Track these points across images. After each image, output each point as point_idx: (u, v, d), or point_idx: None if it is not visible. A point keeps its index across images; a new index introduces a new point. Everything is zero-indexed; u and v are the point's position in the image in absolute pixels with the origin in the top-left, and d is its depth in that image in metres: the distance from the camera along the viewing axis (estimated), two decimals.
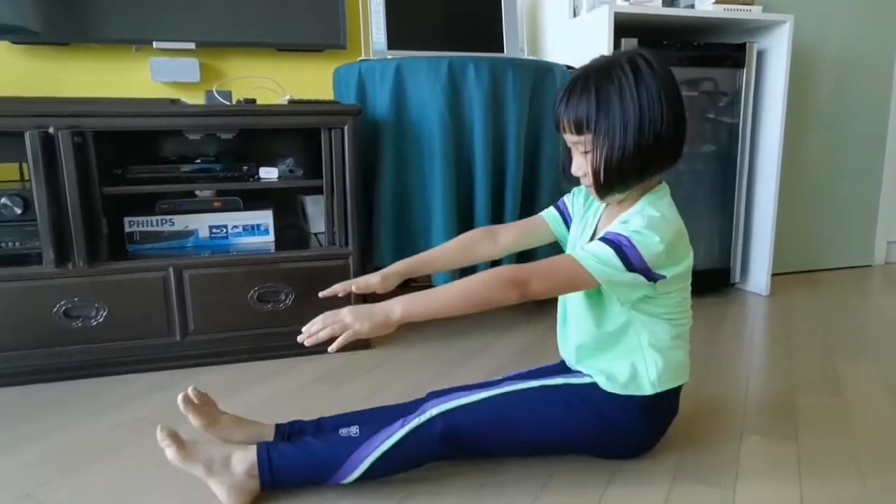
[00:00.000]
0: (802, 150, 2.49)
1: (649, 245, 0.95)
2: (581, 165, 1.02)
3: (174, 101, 1.58)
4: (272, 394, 1.46)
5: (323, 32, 2.12)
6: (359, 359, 1.66)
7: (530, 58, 2.19)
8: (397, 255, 1.86)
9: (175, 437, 0.99)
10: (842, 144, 2.57)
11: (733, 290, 2.34)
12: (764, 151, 2.25)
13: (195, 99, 1.92)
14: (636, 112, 0.94)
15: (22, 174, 1.79)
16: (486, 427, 1.02)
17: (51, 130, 1.43)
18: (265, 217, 1.81)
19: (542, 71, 1.87)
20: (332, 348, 0.91)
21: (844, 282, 2.50)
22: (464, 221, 1.81)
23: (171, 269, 1.58)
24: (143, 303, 1.58)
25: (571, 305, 1.14)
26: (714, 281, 2.30)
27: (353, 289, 1.11)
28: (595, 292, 1.05)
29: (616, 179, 0.98)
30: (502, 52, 2.16)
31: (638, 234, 0.95)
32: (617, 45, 1.96)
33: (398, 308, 0.93)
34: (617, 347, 1.05)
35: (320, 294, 1.12)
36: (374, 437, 1.00)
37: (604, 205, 1.11)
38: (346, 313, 0.92)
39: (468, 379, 1.27)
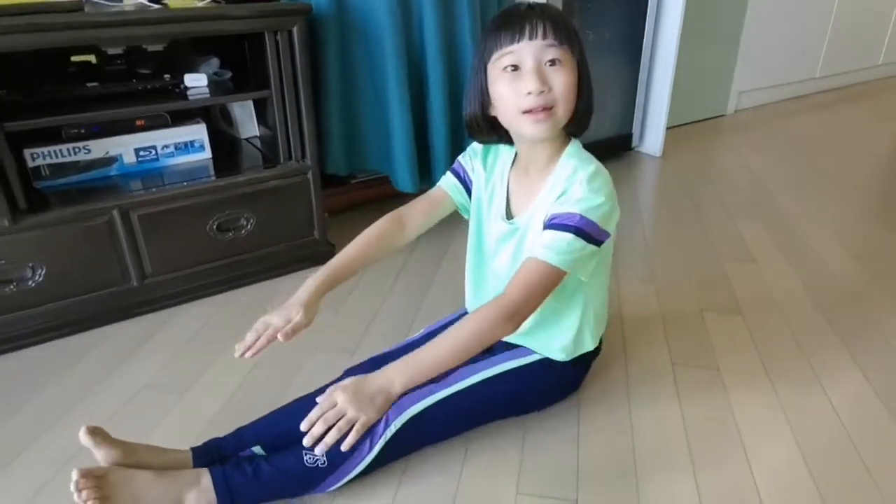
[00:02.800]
0: None
1: (597, 209, 0.92)
2: (546, 79, 0.90)
3: (76, 6, 1.24)
4: None
5: None
6: None
7: None
8: (350, 163, 1.78)
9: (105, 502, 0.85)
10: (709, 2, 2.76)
11: (632, 154, 2.58)
12: (668, 9, 2.35)
13: None
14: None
15: None
16: (452, 423, 1.05)
17: None
18: (198, 132, 1.59)
19: None
20: (345, 446, 0.88)
21: (710, 135, 2.86)
22: (421, 122, 1.75)
23: (115, 213, 1.37)
24: (88, 253, 1.38)
25: (497, 274, 1.09)
26: (616, 146, 2.51)
27: (280, 338, 0.95)
28: None
29: (583, 116, 0.97)
30: None
31: (584, 203, 0.92)
32: None
33: (397, 383, 0.90)
34: (561, 316, 1.05)
35: (237, 356, 0.96)
36: (346, 462, 0.94)
37: (509, 166, 1.06)
38: (345, 404, 0.88)
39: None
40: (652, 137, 2.55)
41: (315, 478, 0.94)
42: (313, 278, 1.04)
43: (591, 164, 0.96)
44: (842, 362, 1.29)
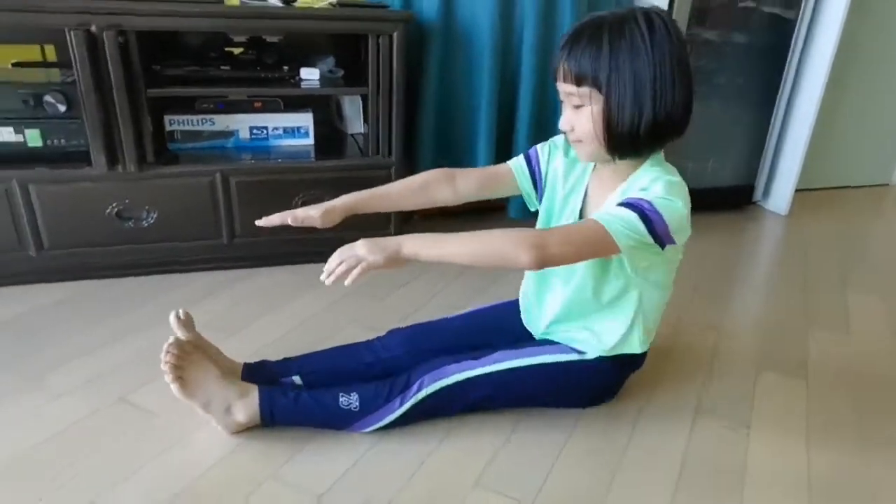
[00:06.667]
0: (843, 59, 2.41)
1: (673, 210, 0.91)
2: (570, 120, 0.95)
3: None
4: (325, 303, 1.54)
5: None
6: None
7: None
8: (437, 165, 1.88)
9: (178, 374, 1.02)
10: (883, 58, 2.49)
11: (753, 208, 2.39)
12: (816, 52, 2.15)
13: None
14: (651, 75, 0.88)
15: (44, 55, 1.73)
16: (482, 398, 1.10)
17: (93, 29, 1.37)
18: (305, 119, 1.78)
19: None
20: (347, 282, 0.91)
21: (863, 202, 2.55)
22: (505, 133, 1.81)
23: (217, 175, 1.60)
24: (191, 206, 1.61)
25: (558, 278, 1.11)
26: (736, 198, 2.33)
27: (290, 221, 1.03)
28: (599, 262, 1.02)
29: (627, 144, 0.93)
30: None
31: (661, 199, 0.91)
32: None
33: (408, 244, 0.91)
34: (611, 313, 1.06)
35: (257, 223, 1.05)
36: (376, 412, 1.06)
37: (590, 168, 1.06)
38: (360, 246, 0.92)
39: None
40: (778, 194, 2.34)
41: (346, 418, 1.06)
42: (349, 194, 1.10)
43: (675, 176, 0.96)
44: None
